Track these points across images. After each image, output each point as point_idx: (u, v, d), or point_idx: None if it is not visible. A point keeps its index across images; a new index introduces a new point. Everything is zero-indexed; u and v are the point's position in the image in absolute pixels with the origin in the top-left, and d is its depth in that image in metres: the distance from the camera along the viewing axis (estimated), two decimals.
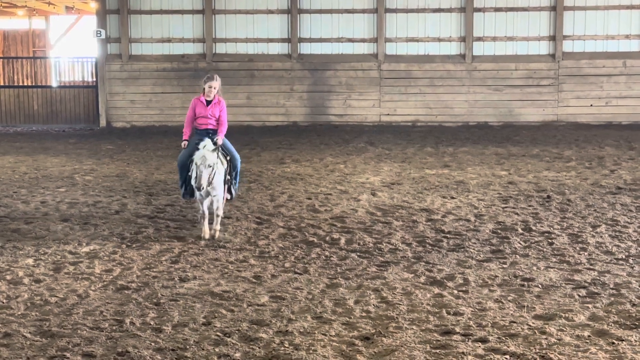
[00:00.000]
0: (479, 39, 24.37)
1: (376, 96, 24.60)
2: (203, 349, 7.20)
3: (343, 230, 11.73)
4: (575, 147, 19.45)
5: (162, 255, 10.44)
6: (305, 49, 25.10)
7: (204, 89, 11.44)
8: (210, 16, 25.13)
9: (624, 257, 10.21)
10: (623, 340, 7.39)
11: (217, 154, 11.04)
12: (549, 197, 13.84)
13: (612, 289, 8.90)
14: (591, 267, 9.77)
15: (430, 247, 10.74)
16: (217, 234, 11.31)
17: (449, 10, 24.45)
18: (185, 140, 11.58)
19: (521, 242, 10.94)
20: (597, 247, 10.66)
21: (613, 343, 7.32)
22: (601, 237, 11.18)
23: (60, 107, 26.59)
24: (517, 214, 12.65)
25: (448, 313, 8.12)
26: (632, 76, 23.61)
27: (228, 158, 11.52)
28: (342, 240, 11.12)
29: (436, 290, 8.88)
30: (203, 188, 10.75)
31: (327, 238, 11.26)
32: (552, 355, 7.02)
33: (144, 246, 10.89)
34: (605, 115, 23.69)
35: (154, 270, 9.75)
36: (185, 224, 12.18)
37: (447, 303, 8.44)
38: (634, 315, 8.06)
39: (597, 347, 7.22)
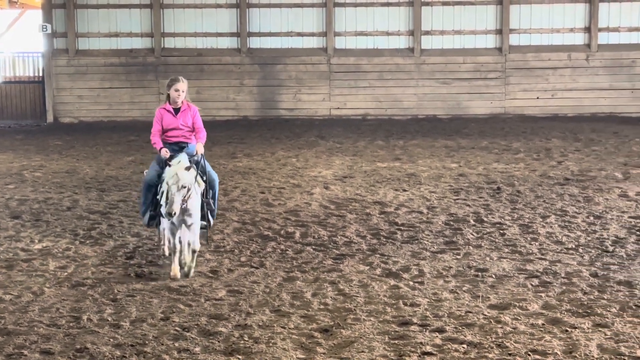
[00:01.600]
0: (427, 32, 24.56)
1: (326, 90, 24.67)
2: (162, 344, 7.19)
3: (297, 223, 11.77)
4: (523, 139, 19.74)
5: (116, 251, 10.38)
6: (255, 43, 25.06)
7: (168, 95, 9.64)
8: (159, 10, 24.96)
9: (573, 246, 10.42)
10: (576, 328, 7.55)
11: (196, 172, 9.18)
12: (499, 188, 14.04)
13: (564, 278, 9.07)
14: (542, 256, 9.95)
15: (384, 240, 10.84)
16: (192, 272, 9.20)
17: (397, 4, 24.61)
18: (161, 147, 9.51)
19: (474, 234, 11.09)
20: (547, 237, 10.85)
21: (566, 331, 7.48)
22: (551, 227, 11.39)
23: (6, 103, 26.20)
24: (468, 205, 12.81)
25: (405, 304, 8.21)
26: (576, 69, 24.02)
27: (204, 178, 9.49)
28: (297, 234, 11.16)
29: (392, 282, 8.97)
30: (175, 215, 8.66)
31: (282, 232, 11.30)
32: (508, 344, 7.15)
33: (97, 242, 10.81)
34: (551, 107, 24.05)
35: (109, 266, 9.69)
36: (139, 220, 12.10)
37: (404, 294, 8.54)
38: (585, 303, 8.23)
39: (551, 335, 7.37)
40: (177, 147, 9.55)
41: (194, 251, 9.23)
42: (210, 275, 9.29)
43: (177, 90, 9.61)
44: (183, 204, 8.82)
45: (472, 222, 11.75)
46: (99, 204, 13.22)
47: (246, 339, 7.30)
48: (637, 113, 23.33)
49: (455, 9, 24.55)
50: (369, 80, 24.56)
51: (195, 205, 9.10)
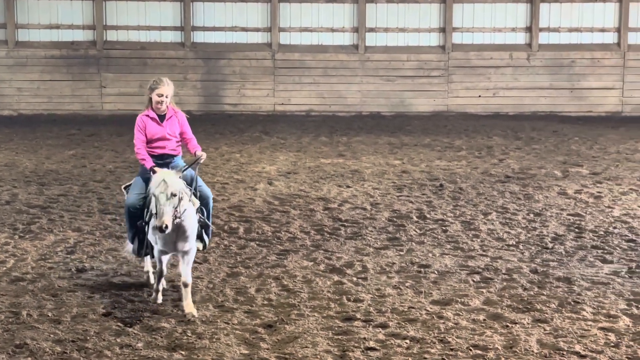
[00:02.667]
0: (372, 29, 24.65)
1: (270, 85, 24.61)
2: (104, 340, 7.12)
3: (241, 219, 11.74)
4: (465, 137, 19.95)
5: (57, 245, 10.23)
6: (199, 37, 24.88)
7: (151, 99, 8.23)
8: (101, 2, 24.63)
9: (514, 243, 10.57)
10: (516, 323, 7.67)
11: (194, 185, 8.07)
12: (441, 185, 14.17)
13: (505, 274, 9.21)
14: (484, 253, 10.08)
15: (328, 236, 10.86)
16: (194, 312, 7.74)
17: (342, 1, 24.65)
18: (152, 166, 8.08)
19: (416, 230, 11.19)
20: (489, 234, 10.99)
21: (507, 326, 7.60)
22: (492, 224, 11.53)
23: None
24: (411, 202, 12.91)
25: (348, 300, 8.25)
26: (518, 68, 24.32)
27: (197, 195, 8.21)
28: (241, 229, 11.13)
29: (336, 278, 9.00)
30: (167, 229, 7.32)
31: (226, 227, 11.25)
32: (450, 339, 7.23)
33: (37, 237, 10.64)
34: (493, 105, 24.33)
35: (50, 261, 9.56)
36: (80, 214, 11.95)
37: (347, 290, 8.58)
38: (525, 299, 8.36)
39: (492, 330, 7.48)
40: (161, 162, 8.18)
41: (185, 285, 7.74)
42: (153, 271, 9.21)
43: (160, 95, 8.17)
44: (176, 217, 7.47)
45: (415, 218, 11.84)
46: (39, 198, 13.01)
47: (189, 334, 7.26)
48: (576, 112, 23.73)
49: (400, 6, 24.68)
50: (314, 77, 24.57)
51: (192, 225, 7.76)
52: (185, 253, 7.84)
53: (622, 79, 23.80)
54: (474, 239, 10.73)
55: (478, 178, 14.85)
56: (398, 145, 18.74)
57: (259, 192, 13.61)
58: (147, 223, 7.98)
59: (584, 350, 7.03)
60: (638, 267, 9.49)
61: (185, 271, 7.81)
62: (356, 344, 7.11)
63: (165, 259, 8.04)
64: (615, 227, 11.32)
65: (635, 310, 8.03)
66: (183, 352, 6.88)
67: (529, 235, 10.95)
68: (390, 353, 6.91)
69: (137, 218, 8.15)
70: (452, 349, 7.03)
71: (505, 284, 8.86)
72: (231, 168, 15.91)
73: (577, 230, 11.20)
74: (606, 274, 9.24)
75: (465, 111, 24.16)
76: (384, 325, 7.55)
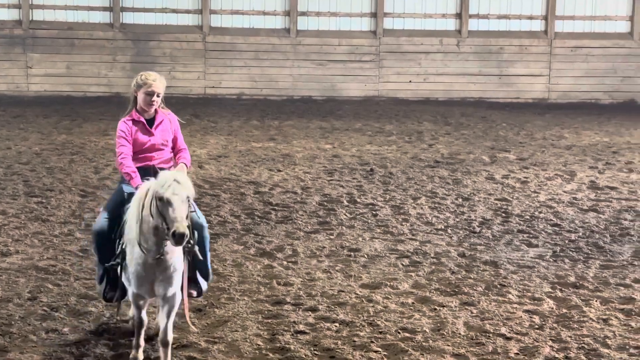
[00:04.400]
0: (303, 13, 24.59)
1: (201, 68, 24.39)
2: (29, 324, 7.00)
3: None
4: (395, 122, 20.07)
5: None
6: (128, 18, 24.49)
7: (136, 99, 6.77)
8: None
9: (443, 227, 10.70)
10: (444, 306, 7.78)
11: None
12: (372, 170, 14.25)
13: (433, 257, 9.32)
14: (413, 237, 10.18)
15: (259, 219, 10.84)
16: None
17: None
18: (140, 184, 6.37)
19: (347, 214, 11.24)
20: (418, 218, 11.10)
21: (435, 309, 7.70)
22: (422, 208, 11.65)
23: None
24: (342, 186, 12.96)
25: (278, 284, 8.26)
26: (448, 54, 24.53)
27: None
28: None
29: (266, 262, 9.00)
30: (186, 239, 5.69)
31: None
32: (378, 322, 7.30)
33: None
34: (423, 91, 24.51)
35: None
36: (5, 197, 11.70)
37: (277, 274, 8.58)
38: (453, 282, 8.48)
39: (420, 314, 7.57)
40: (152, 173, 6.32)
41: (165, 344, 6.14)
42: (80, 254, 9.08)
43: (150, 94, 6.68)
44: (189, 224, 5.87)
45: (345, 202, 11.89)
46: None
47: (117, 318, 7.18)
48: (504, 99, 24.05)
49: None
50: (245, 60, 24.42)
51: (176, 262, 6.10)
52: (166, 300, 6.11)
53: (549, 66, 24.21)
54: (403, 223, 10.82)
55: (408, 163, 14.97)
56: (329, 129, 18.77)
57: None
58: (119, 263, 6.34)
59: (509, 332, 7.16)
60: (562, 251, 9.70)
61: (165, 325, 6.12)
62: (286, 328, 7.12)
63: (145, 305, 6.44)
64: (540, 212, 11.53)
65: (559, 293, 8.21)
66: (110, 337, 6.80)
67: (457, 219, 11.10)
68: (320, 336, 6.95)
69: (107, 251, 6.51)
70: (380, 332, 7.09)
71: (433, 267, 8.97)
72: None
73: (504, 214, 11.38)
74: (531, 257, 9.42)
75: (396, 96, 24.30)
76: (313, 309, 7.58)
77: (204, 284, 6.77)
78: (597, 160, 15.40)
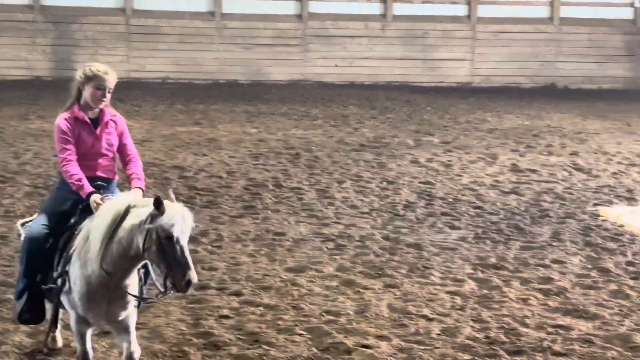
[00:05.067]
0: None
1: (124, 52, 24.04)
2: None
3: None
4: (321, 106, 20.11)
5: None
6: (49, 0, 24.00)
7: (80, 92, 5.85)
8: None
9: (367, 210, 10.78)
10: (368, 289, 7.85)
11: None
12: (297, 154, 14.26)
13: (358, 241, 9.38)
14: (338, 220, 10.23)
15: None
16: None
17: None
18: (92, 192, 5.62)
19: (272, 198, 11.24)
20: (343, 202, 11.16)
21: (359, 292, 7.76)
22: (347, 192, 11.71)
23: None
24: (267, 170, 12.94)
25: (203, 268, 8.21)
26: (373, 38, 24.66)
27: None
28: None
29: (190, 247, 8.91)
30: (195, 284, 5.11)
31: None
32: (303, 305, 7.33)
33: None
34: (349, 75, 24.59)
35: None
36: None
37: (202, 258, 8.54)
38: (377, 265, 8.56)
39: (344, 296, 7.62)
40: (92, 184, 5.71)
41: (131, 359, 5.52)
42: (0, 241, 8.90)
43: (101, 89, 5.79)
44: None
45: (270, 187, 11.88)
46: None
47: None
48: (429, 83, 24.29)
49: None
50: (169, 43, 24.15)
51: (134, 284, 5.47)
52: (121, 323, 5.50)
53: (472, 51, 24.54)
54: (328, 207, 10.87)
55: (333, 147, 15.02)
56: (255, 113, 18.71)
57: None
58: (62, 283, 5.48)
59: (431, 314, 7.27)
60: (484, 232, 9.87)
61: (129, 339, 5.53)
62: (209, 312, 7.10)
63: (89, 333, 5.62)
64: (463, 195, 11.71)
65: (480, 274, 8.35)
66: (30, 325, 6.68)
67: (382, 202, 11.19)
68: (244, 320, 6.94)
69: (37, 263, 5.72)
70: (305, 315, 7.12)
71: (358, 250, 9.03)
72: None
73: (427, 197, 11.52)
74: (454, 239, 9.57)
75: (321, 80, 24.34)
76: (238, 293, 7.57)
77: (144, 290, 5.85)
78: (518, 144, 15.69)
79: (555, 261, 8.87)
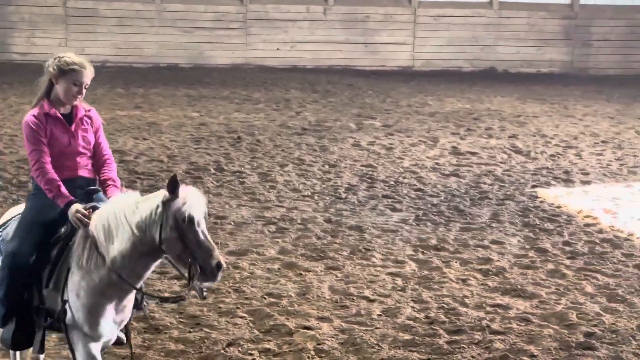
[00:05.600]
0: None
1: (62, 35, 23.63)
2: None
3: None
4: (263, 90, 20.04)
5: None
6: None
7: (51, 86, 5.30)
8: None
9: (309, 194, 10.80)
10: (310, 271, 7.88)
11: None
12: (239, 138, 14.21)
13: (300, 224, 9.40)
14: (280, 204, 10.24)
15: (124, 189, 10.64)
16: None
17: None
18: (71, 200, 5.04)
19: (214, 182, 11.19)
20: (285, 185, 11.17)
21: (301, 274, 7.79)
22: (289, 175, 11.72)
23: None
24: (209, 154, 12.87)
25: None
26: (314, 22, 24.61)
27: None
28: (31, 183, 10.71)
29: None
30: (224, 267, 4.82)
31: (14, 181, 10.82)
32: (245, 288, 7.33)
33: None
34: (291, 59, 24.54)
35: None
36: None
37: None
38: (319, 247, 8.59)
39: (286, 279, 7.64)
40: (72, 187, 5.18)
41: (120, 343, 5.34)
42: None
43: (78, 84, 5.25)
44: None
45: (212, 170, 11.83)
46: None
47: None
48: (370, 67, 24.34)
49: None
50: (108, 26, 23.81)
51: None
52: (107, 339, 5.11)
53: (413, 35, 24.65)
54: (270, 190, 10.87)
55: (275, 130, 15.00)
56: (196, 97, 18.58)
57: None
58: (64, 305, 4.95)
59: (372, 295, 7.33)
60: (425, 214, 9.96)
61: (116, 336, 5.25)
62: (148, 298, 7.04)
63: (99, 351, 5.06)
64: (404, 177, 11.80)
65: (420, 256, 8.44)
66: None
67: (324, 186, 11.22)
68: (185, 304, 6.91)
69: (24, 279, 5.09)
70: (247, 298, 7.13)
71: (300, 233, 9.05)
72: (20, 120, 15.18)
73: (369, 180, 11.59)
74: (395, 222, 9.64)
75: (263, 64, 24.24)
76: (178, 277, 7.52)
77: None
78: (458, 127, 15.84)
79: (494, 242, 9.00)
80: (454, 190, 11.16)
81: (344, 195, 10.75)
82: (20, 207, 5.48)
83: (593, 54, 25.02)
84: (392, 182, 11.50)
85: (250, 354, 6.21)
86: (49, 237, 5.12)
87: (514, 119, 16.90)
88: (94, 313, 4.88)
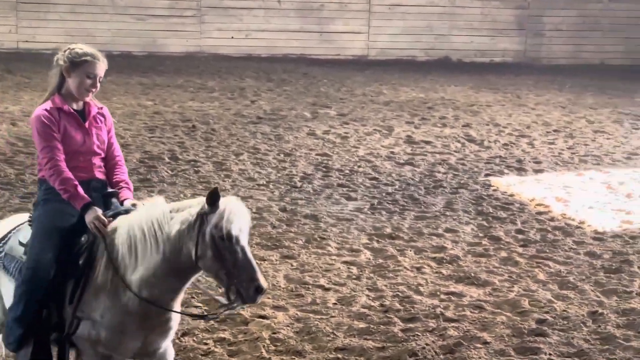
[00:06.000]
0: None
1: (13, 22, 23.27)
2: None
3: None
4: (218, 78, 19.93)
5: None
6: None
7: (63, 79, 5.01)
8: None
9: (265, 182, 10.79)
10: (265, 260, 7.87)
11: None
12: (194, 126, 14.13)
13: (255, 213, 9.37)
14: (235, 193, 10.20)
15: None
16: None
17: None
18: (89, 203, 4.69)
19: (168, 171, 11.12)
20: (240, 174, 11.14)
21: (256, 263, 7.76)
22: (244, 164, 11.69)
23: None
24: (163, 143, 12.79)
25: None
26: (269, 10, 24.52)
27: None
28: None
29: None
30: (265, 290, 4.41)
31: None
32: (200, 278, 7.28)
33: None
34: (245, 47, 24.43)
35: None
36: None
37: None
38: (274, 236, 8.59)
39: None
40: (87, 188, 4.81)
41: None
42: None
43: (92, 77, 4.97)
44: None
45: (166, 159, 11.76)
46: None
47: None
48: (325, 55, 24.33)
49: None
50: (60, 13, 23.48)
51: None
52: (155, 355, 4.77)
53: (367, 24, 24.69)
54: (225, 179, 10.83)
55: (230, 119, 14.94)
56: (150, 85, 18.43)
57: (1, 133, 12.94)
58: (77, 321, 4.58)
59: (328, 283, 7.35)
60: (380, 203, 10.01)
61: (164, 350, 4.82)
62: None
63: None
64: (359, 166, 11.83)
65: (375, 244, 8.48)
66: None
67: (279, 174, 11.22)
68: None
69: (45, 295, 4.63)
70: (195, 289, 7.09)
71: (255, 222, 9.01)
72: None
73: (324, 169, 11.60)
74: (350, 210, 9.68)
75: (218, 52, 24.10)
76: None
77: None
78: (413, 116, 15.92)
79: (448, 230, 9.08)
80: (409, 179, 11.23)
81: (299, 184, 10.76)
82: (17, 217, 5.11)
83: (545, 43, 25.30)
84: (347, 171, 11.53)
85: (205, 344, 6.20)
86: (70, 246, 4.66)
87: (468, 108, 17.03)
88: (116, 335, 4.51)
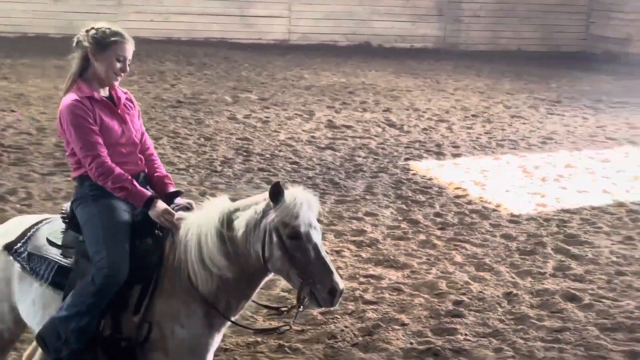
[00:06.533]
0: None
1: None
2: None
3: None
4: (137, 62, 19.63)
5: None
6: None
7: (88, 62, 4.47)
8: None
9: (185, 167, 10.70)
10: None
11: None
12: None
13: None
14: None
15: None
16: None
17: None
18: (152, 196, 4.32)
19: None
20: (159, 159, 11.00)
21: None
22: (163, 148, 11.57)
23: None
24: None
25: None
26: None
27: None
28: None
29: None
30: (342, 292, 3.95)
31: None
32: None
33: None
34: (165, 30, 24.12)
35: None
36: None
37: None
38: None
39: None
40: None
41: None
42: None
43: (121, 59, 4.42)
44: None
45: None
46: None
47: None
48: (246, 39, 24.21)
49: None
50: None
51: None
52: None
53: (289, 8, 24.63)
54: None
55: (150, 103, 14.75)
56: (66, 68, 18.01)
57: None
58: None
59: None
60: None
61: None
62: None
63: None
64: (280, 151, 11.83)
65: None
66: None
67: (199, 159, 11.14)
68: None
69: (110, 300, 4.16)
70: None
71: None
72: None
73: (245, 153, 11.56)
74: None
75: (137, 35, 23.52)
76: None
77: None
78: (334, 100, 15.97)
79: (368, 214, 9.15)
80: (329, 163, 11.27)
81: (219, 169, 10.70)
82: (24, 219, 4.64)
83: (464, 29, 25.63)
84: (268, 155, 11.51)
85: None
86: (139, 246, 4.19)
87: (388, 93, 17.16)
88: (198, 346, 4.13)
